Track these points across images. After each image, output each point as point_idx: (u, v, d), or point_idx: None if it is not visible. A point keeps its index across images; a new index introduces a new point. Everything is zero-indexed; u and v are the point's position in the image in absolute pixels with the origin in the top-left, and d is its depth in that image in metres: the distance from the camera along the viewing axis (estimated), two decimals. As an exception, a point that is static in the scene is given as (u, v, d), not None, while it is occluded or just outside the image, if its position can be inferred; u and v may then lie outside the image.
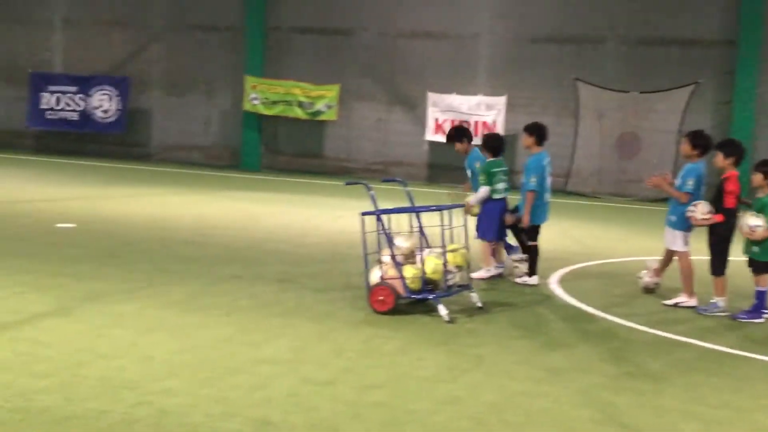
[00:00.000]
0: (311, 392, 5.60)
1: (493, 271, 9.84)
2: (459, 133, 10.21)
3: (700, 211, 8.46)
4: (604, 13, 21.75)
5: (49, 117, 25.41)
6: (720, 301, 8.61)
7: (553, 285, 9.72)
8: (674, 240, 9.01)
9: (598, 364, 6.68)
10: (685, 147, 8.98)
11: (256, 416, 5.09)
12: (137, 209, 14.51)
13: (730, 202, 8.43)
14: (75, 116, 25.27)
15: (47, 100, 25.35)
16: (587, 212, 18.17)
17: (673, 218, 8.97)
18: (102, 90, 24.98)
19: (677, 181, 9.01)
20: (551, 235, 10.83)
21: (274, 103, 23.89)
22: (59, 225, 12.01)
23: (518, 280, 9.65)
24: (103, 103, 24.98)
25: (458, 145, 10.13)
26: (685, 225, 8.82)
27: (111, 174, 20.60)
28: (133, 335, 6.69)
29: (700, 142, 8.89)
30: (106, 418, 4.90)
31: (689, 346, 7.45)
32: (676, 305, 8.87)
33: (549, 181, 9.81)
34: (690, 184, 8.80)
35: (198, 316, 7.43)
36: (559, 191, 21.66)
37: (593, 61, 21.78)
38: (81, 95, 25.04)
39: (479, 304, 8.19)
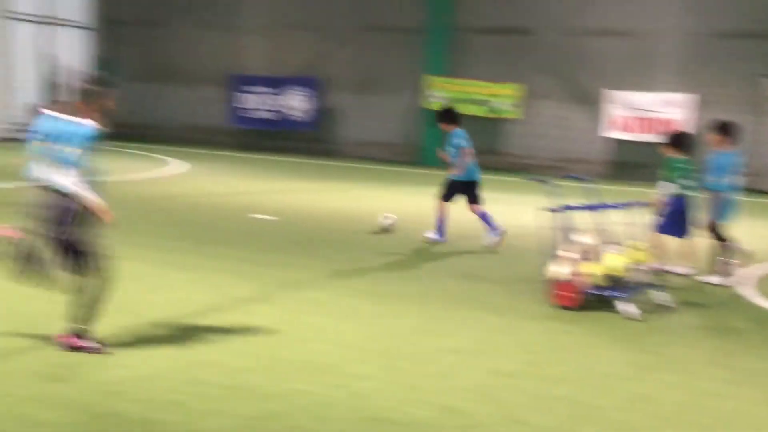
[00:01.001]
0: (497, 383, 5.59)
1: (685, 269, 9.46)
2: (444, 115, 11.51)
3: None
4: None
5: (247, 116, 26.67)
6: None
7: (744, 285, 9.25)
8: None
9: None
10: None
11: (444, 404, 5.15)
12: (328, 202, 14.95)
13: None
14: (271, 115, 26.41)
15: (245, 100, 26.62)
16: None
17: None
18: (295, 90, 25.95)
19: None
20: (740, 235, 10.31)
21: (455, 101, 23.97)
22: (255, 215, 12.55)
23: (709, 279, 9.23)
24: (297, 102, 25.95)
25: (443, 126, 11.34)
26: None
27: (303, 169, 21.33)
28: (327, 321, 6.90)
29: None
30: (305, 398, 5.09)
31: None
32: None
33: (737, 179, 9.36)
34: None
35: (387, 305, 7.58)
36: (747, 189, 20.56)
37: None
38: (276, 95, 26.09)
39: (667, 303, 7.91)
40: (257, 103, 26.59)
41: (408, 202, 15.82)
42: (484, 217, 11.18)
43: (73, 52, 28.78)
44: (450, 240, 11.38)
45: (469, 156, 11.13)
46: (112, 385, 5.06)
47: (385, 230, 11.85)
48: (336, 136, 26.29)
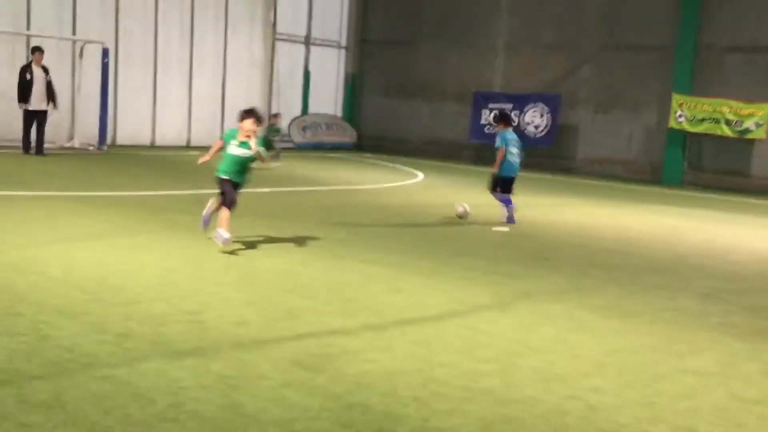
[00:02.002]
0: (739, 408, 5.30)
1: None
2: (497, 117, 14.03)
3: None
4: None
5: (486, 131, 26.86)
6: None
7: None
8: None
9: None
10: None
11: (682, 424, 4.95)
12: (562, 217, 14.77)
13: None
14: (509, 131, 26.45)
15: (486, 116, 26.83)
16: None
17: None
18: (535, 107, 25.84)
19: None
20: None
21: (701, 120, 22.87)
22: (495, 228, 12.63)
23: None
24: (535, 119, 25.83)
25: (497, 126, 13.78)
26: None
27: (539, 184, 21.18)
28: (561, 333, 6.84)
29: None
30: (539, 406, 5.08)
31: None
32: None
33: None
34: None
35: (621, 321, 7.39)
36: None
37: None
38: (515, 111, 26.10)
39: None
40: (496, 119, 26.75)
41: (646, 218, 15.29)
42: (508, 203, 13.07)
43: (328, 69, 30.38)
44: (682, 259, 10.89)
45: (502, 155, 12.98)
46: (360, 378, 5.31)
47: (461, 217, 13.08)
48: (574, 153, 25.90)
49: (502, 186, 13.08)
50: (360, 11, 30.31)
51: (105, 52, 21.71)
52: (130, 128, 24.27)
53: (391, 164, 24.22)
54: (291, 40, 28.74)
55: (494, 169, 13.09)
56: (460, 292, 8.08)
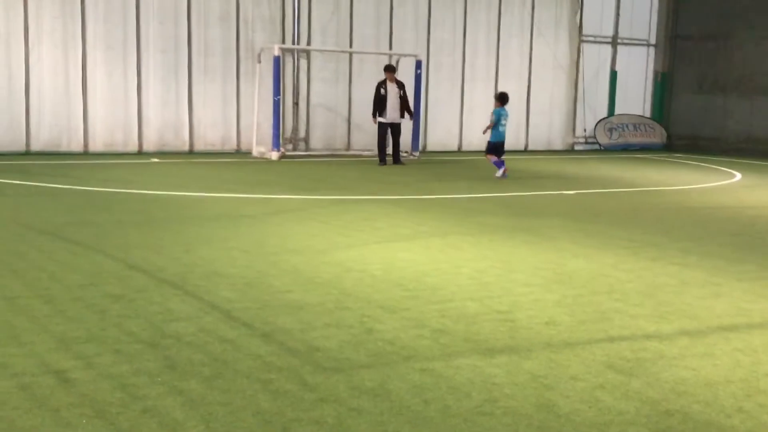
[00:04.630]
0: None
1: None
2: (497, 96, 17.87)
3: None
4: None
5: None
6: None
7: None
8: None
9: None
10: None
11: None
12: None
13: None
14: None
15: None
16: None
17: None
18: None
19: None
20: None
21: None
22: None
23: None
24: None
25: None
26: None
27: None
28: None
29: None
30: None
31: None
32: None
33: None
34: None
35: None
36: None
37: None
38: None
39: None
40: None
41: None
42: (500, 165, 17.35)
43: (636, 69, 29.35)
44: None
45: (491, 125, 17.47)
46: (677, 384, 5.06)
47: None
48: None
49: (495, 151, 17.50)
50: (671, 7, 28.94)
51: (418, 64, 22.69)
52: (439, 135, 25.18)
53: (704, 164, 22.84)
54: (597, 41, 28.13)
55: (485, 133, 17.85)
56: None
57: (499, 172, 17.25)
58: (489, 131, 17.55)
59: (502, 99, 17.75)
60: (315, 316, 6.35)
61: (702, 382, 5.11)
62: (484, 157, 18.54)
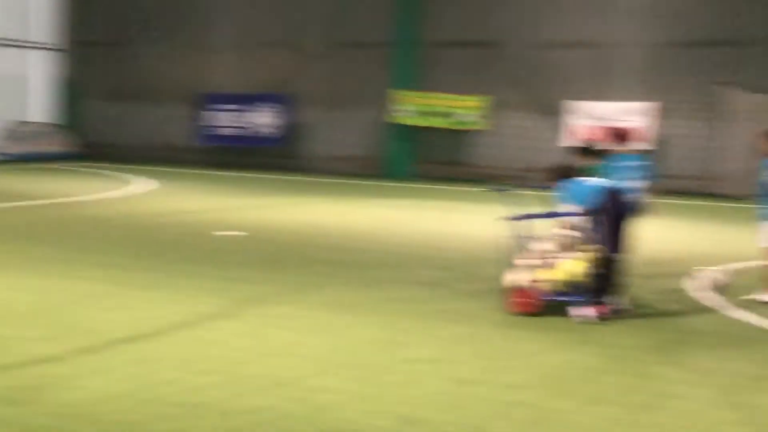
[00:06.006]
0: (457, 392, 5.50)
1: None
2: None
3: None
4: (752, 16, 20.81)
5: (215, 133, 26.53)
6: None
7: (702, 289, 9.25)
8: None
9: (742, 365, 6.31)
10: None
11: (405, 413, 5.04)
12: (294, 217, 14.82)
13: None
14: (239, 132, 26.31)
15: (214, 117, 26.49)
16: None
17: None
18: (264, 107, 25.86)
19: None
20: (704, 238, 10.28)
21: (422, 114, 24.00)
22: (220, 233, 12.34)
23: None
24: (265, 119, 25.86)
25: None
26: None
27: (272, 185, 21.19)
28: (291, 335, 6.76)
29: None
30: (266, 413, 4.95)
31: None
32: None
33: None
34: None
35: (349, 317, 7.46)
36: (703, 194, 20.76)
37: (741, 64, 20.83)
38: (245, 112, 25.99)
39: (625, 306, 7.88)
40: (226, 120, 26.52)
41: (373, 213, 15.75)
42: None
43: (42, 74, 28.51)
44: (413, 250, 11.32)
45: None
46: (69, 408, 4.90)
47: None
48: (304, 152, 26.22)
49: None
50: (76, 11, 28.62)
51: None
52: None
53: (116, 172, 23.09)
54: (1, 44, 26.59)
55: None
56: (187, 303, 7.73)
57: None
58: None
59: None
60: None
61: (93, 401, 5.03)
62: None
